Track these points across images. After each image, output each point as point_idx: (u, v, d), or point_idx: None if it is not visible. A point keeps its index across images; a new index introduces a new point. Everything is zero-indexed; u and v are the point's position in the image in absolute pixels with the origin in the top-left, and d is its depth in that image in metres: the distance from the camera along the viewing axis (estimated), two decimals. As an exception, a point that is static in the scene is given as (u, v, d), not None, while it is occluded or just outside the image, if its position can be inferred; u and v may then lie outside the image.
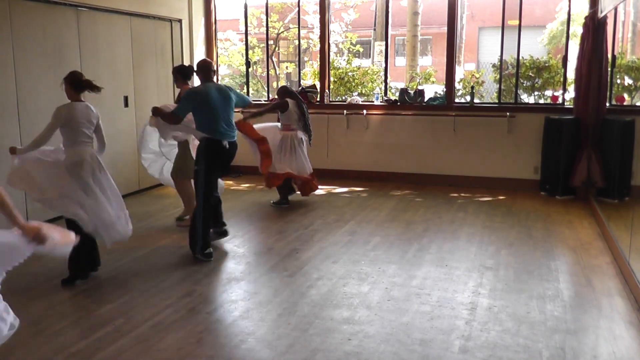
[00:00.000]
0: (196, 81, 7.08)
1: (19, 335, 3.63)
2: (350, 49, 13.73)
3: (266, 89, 10.29)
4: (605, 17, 6.68)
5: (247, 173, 8.72)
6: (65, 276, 4.47)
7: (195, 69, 5.42)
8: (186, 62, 8.64)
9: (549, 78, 8.35)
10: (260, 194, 7.61)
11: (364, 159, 8.61)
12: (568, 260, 5.08)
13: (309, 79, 10.46)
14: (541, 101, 8.51)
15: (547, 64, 8.36)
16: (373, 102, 8.77)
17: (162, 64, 8.17)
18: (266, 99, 9.36)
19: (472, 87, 8.34)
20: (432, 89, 9.21)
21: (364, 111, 8.52)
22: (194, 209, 5.22)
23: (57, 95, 6.34)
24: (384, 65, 8.94)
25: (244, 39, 9.61)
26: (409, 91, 8.54)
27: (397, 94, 8.67)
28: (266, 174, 6.73)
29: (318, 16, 9.18)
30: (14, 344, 3.52)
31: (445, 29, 8.30)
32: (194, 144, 5.69)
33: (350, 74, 9.28)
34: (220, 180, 5.70)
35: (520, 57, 8.04)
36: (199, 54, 8.99)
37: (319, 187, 7.41)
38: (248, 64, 9.52)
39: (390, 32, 9.18)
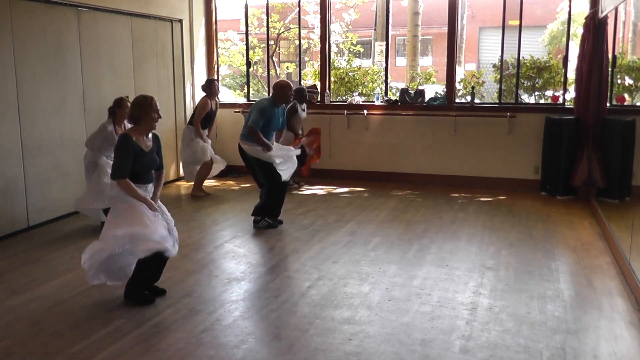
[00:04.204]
0: (198, 91, 7.03)
1: (19, 336, 3.64)
2: (351, 49, 13.73)
3: (266, 89, 10.29)
4: (605, 17, 6.68)
5: (248, 173, 8.68)
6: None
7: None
8: (186, 63, 8.65)
9: (549, 78, 8.34)
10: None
11: (365, 159, 8.60)
12: (569, 260, 5.07)
13: (310, 79, 10.46)
14: (542, 101, 8.50)
15: (547, 64, 8.35)
16: (373, 102, 8.76)
17: (162, 64, 8.17)
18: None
19: (473, 87, 8.33)
20: (433, 89, 9.20)
21: (365, 111, 8.52)
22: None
23: (58, 96, 6.37)
24: (384, 65, 8.93)
25: (245, 39, 9.60)
26: (410, 91, 8.54)
27: (398, 94, 8.67)
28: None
29: (318, 16, 9.19)
30: (14, 344, 3.53)
31: (445, 29, 8.29)
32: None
33: (350, 74, 9.27)
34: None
35: (521, 57, 8.03)
36: (200, 54, 9.00)
37: (320, 186, 7.84)
38: (249, 64, 9.52)
39: (390, 32, 9.19)
